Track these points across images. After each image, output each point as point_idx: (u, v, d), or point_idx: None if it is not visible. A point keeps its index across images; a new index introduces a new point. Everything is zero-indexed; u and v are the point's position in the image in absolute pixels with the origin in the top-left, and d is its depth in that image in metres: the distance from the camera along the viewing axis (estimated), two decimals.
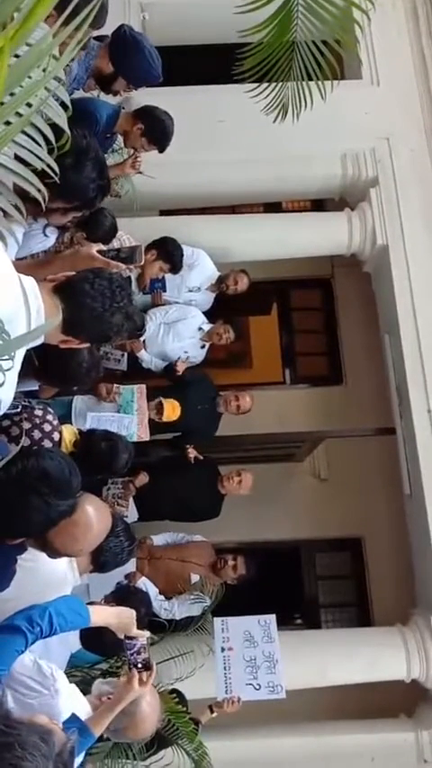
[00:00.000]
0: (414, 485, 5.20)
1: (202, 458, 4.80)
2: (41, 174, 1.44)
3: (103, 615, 2.46)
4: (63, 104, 1.50)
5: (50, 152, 1.44)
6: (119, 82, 3.46)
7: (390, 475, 5.64)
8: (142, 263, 3.06)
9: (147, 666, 2.42)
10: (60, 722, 2.23)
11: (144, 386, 4.42)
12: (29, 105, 1.28)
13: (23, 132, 1.35)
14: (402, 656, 4.84)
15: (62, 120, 1.48)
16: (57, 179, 1.51)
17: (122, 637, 2.47)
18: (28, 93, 1.21)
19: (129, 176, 4.49)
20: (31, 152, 1.37)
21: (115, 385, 4.37)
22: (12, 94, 1.22)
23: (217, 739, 4.04)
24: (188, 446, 4.80)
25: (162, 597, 4.54)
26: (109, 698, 2.45)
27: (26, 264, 2.45)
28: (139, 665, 2.40)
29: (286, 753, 4.70)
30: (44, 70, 1.28)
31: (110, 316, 1.85)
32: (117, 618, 2.46)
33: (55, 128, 1.49)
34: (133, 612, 2.51)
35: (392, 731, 4.89)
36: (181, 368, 4.92)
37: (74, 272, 1.94)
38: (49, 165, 1.43)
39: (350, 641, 5.19)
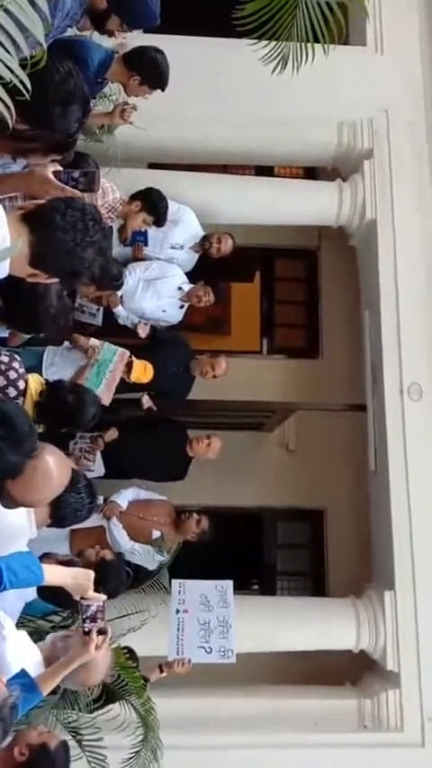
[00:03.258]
0: (380, 462, 5.25)
1: (155, 409, 4.75)
2: (11, 92, 1.33)
3: (58, 574, 2.43)
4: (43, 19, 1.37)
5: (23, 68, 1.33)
6: (113, 20, 3.29)
7: (356, 451, 5.68)
8: (99, 191, 2.90)
9: (101, 630, 2.38)
10: (8, 675, 2.23)
11: (128, 353, 4.32)
12: None
13: None
14: (353, 627, 4.95)
15: (38, 30, 1.35)
16: (28, 96, 1.39)
17: (78, 598, 2.44)
18: None
19: (117, 126, 4.35)
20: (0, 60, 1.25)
21: (99, 342, 4.29)
22: None
23: (164, 696, 4.10)
24: (144, 394, 4.70)
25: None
26: (66, 635, 2.44)
27: None
28: (94, 629, 2.37)
29: (232, 713, 4.80)
30: None
31: (81, 250, 1.75)
32: (73, 578, 2.43)
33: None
34: (90, 574, 2.48)
35: (337, 698, 5.03)
36: (142, 331, 4.78)
37: (44, 201, 1.83)
38: (21, 81, 1.32)
39: (303, 609, 5.29)
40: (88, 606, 2.39)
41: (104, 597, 2.48)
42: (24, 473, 2.04)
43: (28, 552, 2.55)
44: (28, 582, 2.39)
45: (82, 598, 2.42)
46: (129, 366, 4.34)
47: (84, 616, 2.39)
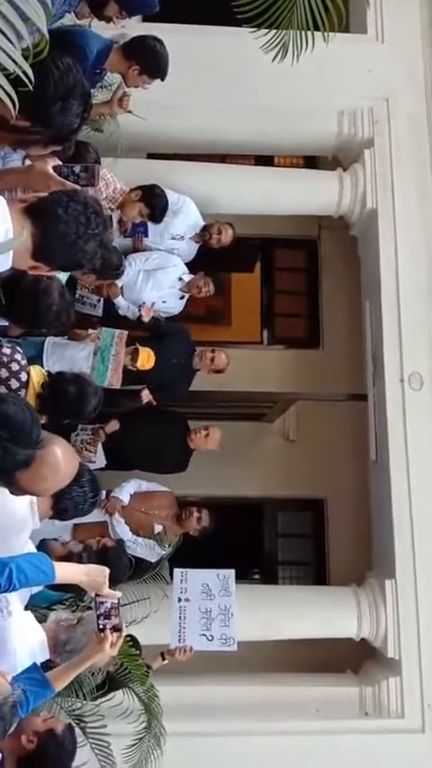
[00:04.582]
0: (380, 451, 5.26)
1: (155, 403, 4.75)
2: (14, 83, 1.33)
3: (71, 572, 2.42)
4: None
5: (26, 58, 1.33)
6: (111, 6, 3.26)
7: (357, 441, 5.70)
8: (99, 185, 2.89)
9: (116, 627, 2.35)
10: (9, 653, 2.24)
11: (126, 332, 4.34)
12: None
13: None
14: (354, 616, 4.99)
15: (41, 19, 1.35)
16: (31, 87, 1.40)
17: (93, 595, 2.41)
18: None
19: (116, 115, 4.33)
20: (3, 50, 1.25)
21: (98, 329, 4.29)
22: None
23: (167, 684, 4.14)
24: (143, 387, 4.67)
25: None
26: (70, 624, 2.45)
27: None
28: (109, 626, 2.34)
29: (235, 700, 4.84)
30: None
31: (83, 243, 1.76)
32: (87, 575, 2.40)
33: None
34: (105, 570, 2.45)
35: (338, 685, 5.08)
36: (146, 314, 4.77)
37: (46, 194, 1.83)
38: (24, 72, 1.31)
39: (305, 598, 5.32)
40: (102, 603, 2.35)
41: (119, 594, 2.44)
42: (34, 463, 2.05)
43: (37, 553, 2.55)
44: (39, 581, 2.37)
45: (96, 595, 2.39)
46: (134, 354, 4.35)
47: (98, 613, 2.35)
